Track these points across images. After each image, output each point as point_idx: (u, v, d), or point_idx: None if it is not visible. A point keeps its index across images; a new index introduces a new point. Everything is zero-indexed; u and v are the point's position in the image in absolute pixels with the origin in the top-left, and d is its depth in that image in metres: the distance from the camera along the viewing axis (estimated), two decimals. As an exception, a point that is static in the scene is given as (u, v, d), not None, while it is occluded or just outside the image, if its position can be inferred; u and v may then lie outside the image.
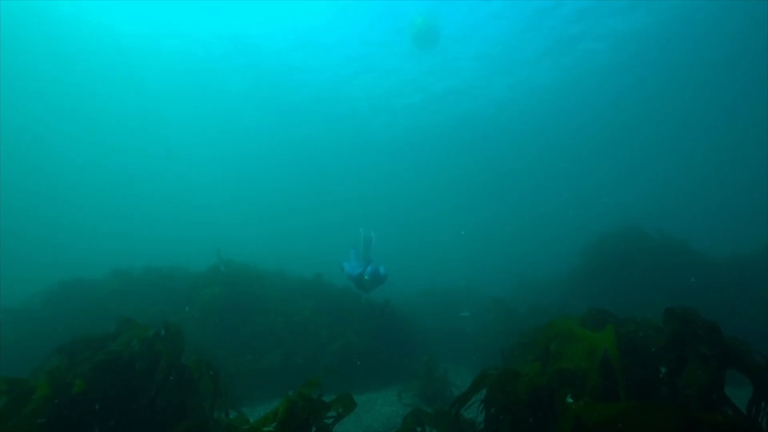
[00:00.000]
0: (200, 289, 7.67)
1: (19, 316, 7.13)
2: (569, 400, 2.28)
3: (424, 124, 25.47)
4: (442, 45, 16.95)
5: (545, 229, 39.50)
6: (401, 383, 5.97)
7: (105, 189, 36.27)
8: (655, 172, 32.77)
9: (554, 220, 39.21)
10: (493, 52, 17.91)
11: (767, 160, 27.14)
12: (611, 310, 3.88)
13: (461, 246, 35.84)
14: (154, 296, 7.70)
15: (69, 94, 21.98)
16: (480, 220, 41.95)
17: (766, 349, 2.89)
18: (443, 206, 39.86)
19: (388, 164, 32.68)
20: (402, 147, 29.15)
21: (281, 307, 7.32)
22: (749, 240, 11.64)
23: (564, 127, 25.53)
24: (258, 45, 18.30)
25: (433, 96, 22.30)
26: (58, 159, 29.52)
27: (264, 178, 36.61)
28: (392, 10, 15.65)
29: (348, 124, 25.61)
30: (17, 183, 30.54)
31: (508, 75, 19.80)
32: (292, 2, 15.59)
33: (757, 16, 14.75)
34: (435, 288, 12.58)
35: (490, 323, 8.38)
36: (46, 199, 35.13)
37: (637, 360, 2.89)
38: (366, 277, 6.94)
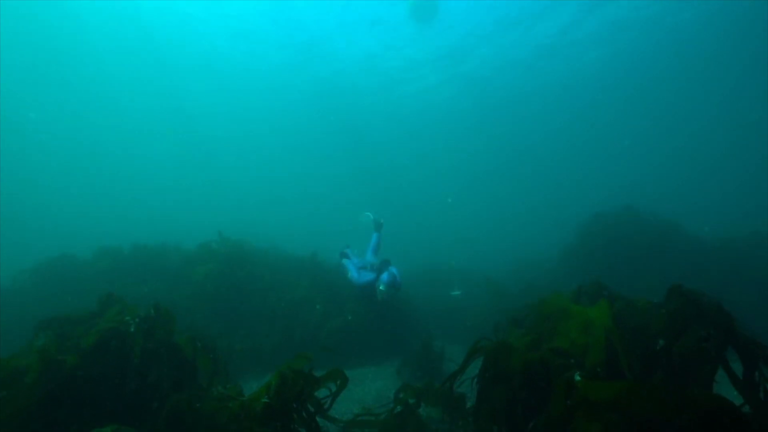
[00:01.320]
0: (193, 267, 7.60)
1: (5, 294, 7.03)
2: (577, 377, 2.23)
3: (424, 105, 25.08)
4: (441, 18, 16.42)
5: (544, 212, 39.71)
6: (396, 360, 6.01)
7: (92, 169, 35.64)
8: (653, 157, 32.85)
9: (553, 204, 39.36)
10: (496, 30, 17.49)
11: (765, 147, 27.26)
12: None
13: (459, 227, 35.97)
14: (145, 274, 7.62)
15: (43, 72, 21.02)
16: (479, 202, 42.04)
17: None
18: (443, 188, 39.80)
19: (386, 145, 32.36)
20: (400, 128, 28.79)
21: (276, 284, 7.30)
22: (741, 224, 11.78)
23: (566, 110, 25.34)
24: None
25: (435, 75, 21.84)
26: (43, 139, 28.78)
27: (259, 160, 36.16)
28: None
29: (344, 103, 25.11)
30: (2, 163, 29.84)
31: (513, 54, 19.38)
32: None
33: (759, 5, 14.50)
34: (431, 268, 12.61)
35: (485, 303, 8.45)
36: (33, 179, 34.48)
37: (635, 336, 2.88)
38: (381, 288, 5.68)
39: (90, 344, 3.27)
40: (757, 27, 15.46)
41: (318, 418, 2.86)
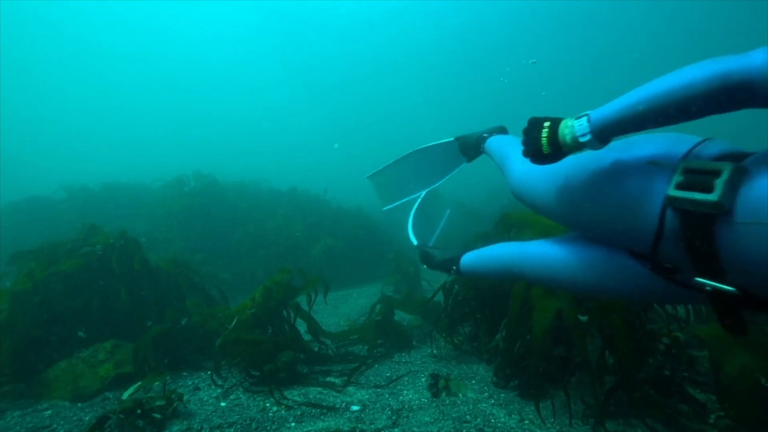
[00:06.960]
0: (170, 201, 7.51)
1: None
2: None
3: (397, 34, 23.44)
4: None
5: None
6: (378, 283, 6.41)
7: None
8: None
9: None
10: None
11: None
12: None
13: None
14: (119, 210, 7.52)
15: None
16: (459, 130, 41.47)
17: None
18: (424, 118, 38.90)
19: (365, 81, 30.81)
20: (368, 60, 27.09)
21: (254, 213, 7.37)
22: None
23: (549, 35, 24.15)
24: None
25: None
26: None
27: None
28: None
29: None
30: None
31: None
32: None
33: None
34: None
35: (458, 227, 8.87)
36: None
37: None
38: None
39: (74, 266, 3.35)
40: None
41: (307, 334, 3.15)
